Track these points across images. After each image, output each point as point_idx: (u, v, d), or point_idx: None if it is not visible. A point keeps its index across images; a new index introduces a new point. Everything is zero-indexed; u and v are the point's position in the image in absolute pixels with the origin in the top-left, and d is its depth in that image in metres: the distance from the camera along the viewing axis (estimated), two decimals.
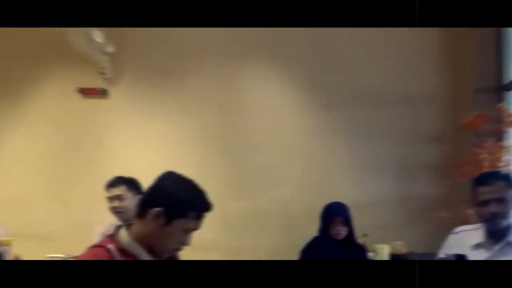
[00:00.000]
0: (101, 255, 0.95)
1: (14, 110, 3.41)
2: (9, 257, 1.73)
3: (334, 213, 2.05)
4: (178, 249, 1.08)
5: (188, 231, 1.05)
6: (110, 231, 1.96)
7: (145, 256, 1.01)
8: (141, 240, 1.03)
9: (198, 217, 1.05)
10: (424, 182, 2.96)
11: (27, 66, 3.35)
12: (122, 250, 0.99)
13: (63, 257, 2.36)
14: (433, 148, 3.01)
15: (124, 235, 1.04)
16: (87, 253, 1.01)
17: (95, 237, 1.98)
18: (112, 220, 2.04)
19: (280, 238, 2.90)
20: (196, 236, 1.14)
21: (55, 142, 3.33)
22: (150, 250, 1.04)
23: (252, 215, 2.94)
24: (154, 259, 1.04)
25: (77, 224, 3.19)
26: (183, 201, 1.03)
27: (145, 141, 3.09)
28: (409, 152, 2.97)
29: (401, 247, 2.50)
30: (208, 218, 1.10)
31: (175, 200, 1.03)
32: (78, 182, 3.27)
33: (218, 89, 3.03)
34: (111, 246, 0.97)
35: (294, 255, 2.18)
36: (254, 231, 2.96)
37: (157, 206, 1.00)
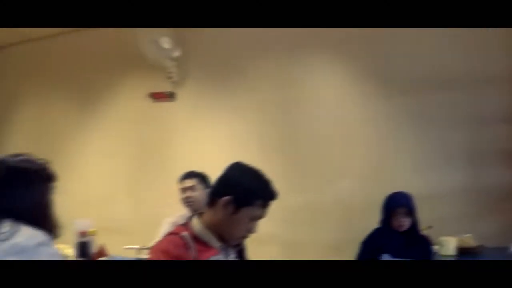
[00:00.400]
0: (176, 241, 1.06)
1: (95, 117, 3.86)
2: (94, 246, 1.95)
3: (397, 203, 1.97)
4: (245, 236, 1.15)
5: (255, 218, 1.11)
6: (179, 221, 2.16)
7: (215, 242, 1.10)
8: (211, 227, 1.12)
9: (264, 205, 1.11)
10: (497, 170, 2.67)
11: (104, 76, 3.75)
12: (194, 237, 1.08)
13: (138, 248, 2.61)
14: (507, 132, 2.70)
15: (196, 223, 1.13)
16: (164, 239, 1.11)
17: (165, 227, 2.19)
18: (179, 213, 2.24)
19: (339, 231, 2.87)
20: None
21: (131, 145, 3.68)
22: (219, 237, 1.12)
23: (311, 208, 2.94)
24: (223, 246, 1.13)
25: (151, 219, 3.49)
26: (250, 189, 1.09)
27: (210, 139, 3.25)
28: (481, 138, 2.70)
29: (470, 240, 2.35)
30: (268, 211, 1.16)
31: (243, 189, 1.09)
32: (151, 180, 3.57)
33: (279, 84, 3.06)
34: (185, 233, 1.07)
35: (353, 248, 2.16)
36: (313, 224, 2.96)
37: (226, 195, 1.08)
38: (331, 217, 2.90)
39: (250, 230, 1.13)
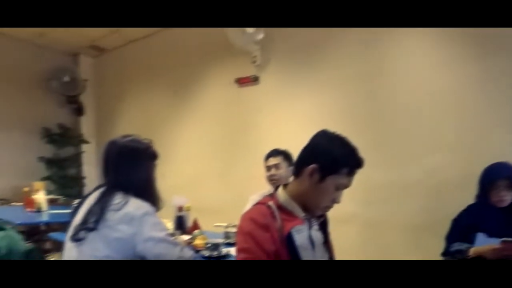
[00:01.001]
0: (263, 211, 1.13)
1: (188, 106, 4.29)
2: (189, 221, 2.13)
3: (498, 175, 1.76)
4: (330, 207, 1.16)
5: (340, 187, 1.12)
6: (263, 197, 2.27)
7: (300, 212, 1.15)
8: (296, 197, 1.16)
9: (350, 173, 1.11)
10: None
11: (194, 67, 4.10)
12: (280, 207, 1.14)
13: (226, 225, 2.79)
14: None
15: (281, 194, 1.19)
16: (252, 209, 1.18)
17: (250, 204, 2.30)
18: (264, 191, 2.34)
19: (427, 210, 2.70)
20: (335, 208, 1.21)
21: (219, 129, 3.97)
22: (304, 207, 1.16)
23: (395, 186, 2.81)
24: (307, 216, 1.17)
25: (238, 199, 3.71)
26: (337, 157, 1.09)
27: (294, 119, 3.30)
28: None
29: None
30: (348, 190, 1.17)
31: (329, 157, 1.09)
32: (238, 162, 3.80)
33: (362, 57, 2.96)
34: (271, 203, 1.14)
35: (442, 228, 2.03)
36: (396, 203, 2.83)
37: (312, 164, 1.10)
38: (418, 195, 2.74)
39: (335, 200, 1.14)
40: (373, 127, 2.88)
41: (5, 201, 4.64)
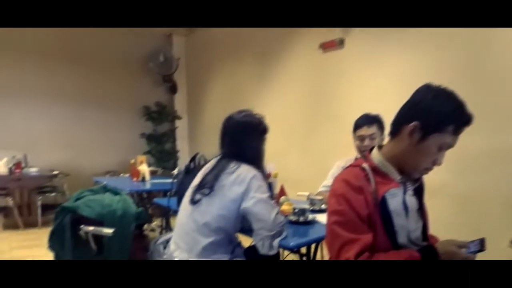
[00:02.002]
0: (357, 173, 1.10)
1: (273, 75, 4.39)
2: (277, 187, 2.20)
3: None
4: (430, 169, 1.08)
5: (444, 148, 1.03)
6: (348, 164, 2.21)
7: (395, 174, 1.10)
8: (392, 159, 1.11)
9: (456, 131, 1.01)
10: None
11: (279, 36, 4.15)
12: (374, 169, 1.11)
13: (308, 194, 2.84)
14: None
15: (376, 155, 1.14)
16: (346, 171, 1.16)
17: (334, 170, 2.29)
18: (350, 157, 2.27)
19: None
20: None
21: (303, 98, 4.00)
22: (400, 169, 1.11)
23: (492, 153, 2.52)
24: (403, 179, 1.12)
25: (319, 169, 3.74)
26: (441, 113, 0.99)
27: (381, 84, 3.16)
28: None
29: None
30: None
31: (433, 113, 1.00)
32: (321, 131, 3.80)
33: None
34: (365, 165, 1.11)
35: None
36: (492, 173, 2.54)
37: (413, 121, 1.02)
38: None
39: (436, 162, 1.06)
40: (474, 90, 2.55)
41: (114, 173, 5.36)
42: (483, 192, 2.63)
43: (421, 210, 1.20)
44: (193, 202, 1.43)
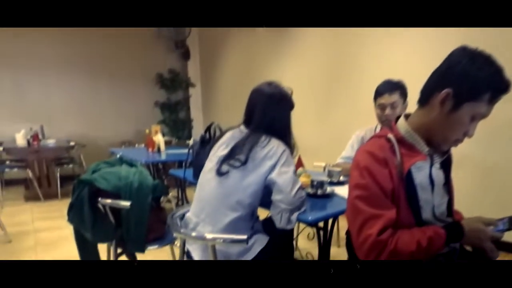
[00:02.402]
0: (382, 144, 1.05)
1: (289, 45, 4.30)
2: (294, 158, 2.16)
3: None
4: (460, 141, 1.02)
5: (477, 118, 0.96)
6: (368, 135, 2.14)
7: (423, 146, 1.05)
8: (420, 129, 1.05)
9: (492, 100, 0.94)
10: None
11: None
12: (400, 140, 1.06)
13: (325, 165, 2.80)
14: None
15: (402, 125, 1.08)
16: (370, 142, 1.11)
17: (353, 140, 2.23)
18: (369, 126, 2.21)
19: None
20: None
21: (319, 64, 3.91)
22: (428, 140, 1.05)
23: None
24: (431, 151, 1.07)
25: (337, 138, 3.69)
26: (478, 79, 0.91)
27: (400, 51, 3.04)
28: None
29: None
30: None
31: (468, 79, 0.92)
32: (339, 101, 3.72)
33: None
34: (391, 136, 1.06)
35: None
36: None
37: (445, 88, 0.95)
38: None
39: (467, 133, 0.99)
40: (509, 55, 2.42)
41: (130, 143, 5.43)
42: (509, 163, 2.55)
43: (448, 185, 1.15)
44: (220, 173, 1.39)
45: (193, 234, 1.31)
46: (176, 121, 6.46)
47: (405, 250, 0.93)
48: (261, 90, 1.51)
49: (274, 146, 1.39)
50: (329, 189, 1.62)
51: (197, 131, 6.66)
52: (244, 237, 1.18)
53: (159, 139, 3.74)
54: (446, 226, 0.98)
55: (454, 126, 0.98)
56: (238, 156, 1.39)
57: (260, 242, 1.42)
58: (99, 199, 1.74)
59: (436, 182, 1.09)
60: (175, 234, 1.69)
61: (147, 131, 3.91)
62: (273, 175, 1.36)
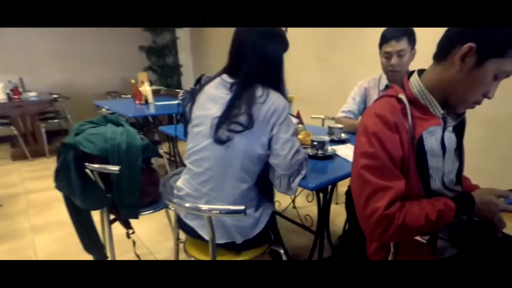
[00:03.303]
0: (393, 105, 0.97)
1: None
2: (293, 112, 2.08)
3: None
4: (478, 102, 0.95)
5: (501, 77, 0.89)
6: (371, 86, 2.03)
7: (437, 108, 0.98)
8: (436, 88, 0.97)
9: None
10: None
11: None
12: (413, 100, 0.98)
13: (324, 117, 2.74)
14: None
15: (416, 83, 1.00)
16: (379, 103, 1.02)
17: (355, 91, 2.14)
18: (372, 76, 2.10)
19: None
20: None
21: (318, 5, 3.63)
22: (444, 101, 0.97)
23: None
24: (444, 113, 1.00)
25: (338, 85, 3.56)
26: (506, 32, 0.83)
27: None
28: None
29: None
30: None
31: (494, 32, 0.84)
32: (341, 46, 3.52)
33: None
34: (402, 96, 0.98)
35: None
36: None
37: (468, 43, 0.87)
38: None
39: (487, 94, 0.92)
40: None
41: (117, 94, 5.26)
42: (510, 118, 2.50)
43: (459, 150, 1.10)
44: (220, 141, 1.22)
45: (187, 205, 1.23)
46: (163, 67, 6.22)
47: (414, 225, 0.90)
48: (249, 29, 1.26)
49: (275, 101, 1.23)
50: (330, 149, 1.56)
51: (188, 78, 6.45)
52: (242, 207, 1.12)
53: (146, 89, 3.61)
54: (456, 198, 0.94)
55: (475, 86, 0.90)
56: (237, 118, 1.20)
57: (266, 212, 1.38)
58: (86, 164, 1.68)
59: (448, 148, 1.04)
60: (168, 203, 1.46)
61: (133, 81, 3.75)
62: (274, 132, 1.25)
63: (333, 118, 2.37)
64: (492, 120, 2.60)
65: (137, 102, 3.62)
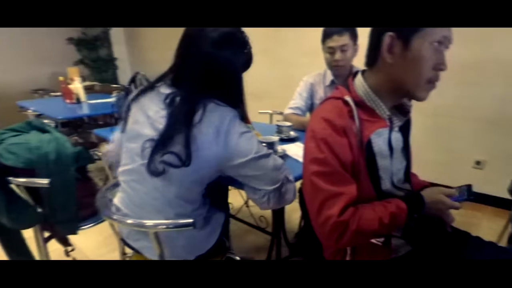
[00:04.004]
0: (340, 108, 0.97)
1: None
2: None
3: None
4: (435, 79, 0.93)
5: (442, 44, 0.89)
6: (318, 81, 2.06)
7: (384, 110, 1.00)
8: (382, 88, 0.98)
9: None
10: None
11: None
12: (359, 103, 0.99)
13: (271, 113, 2.74)
14: None
15: (361, 85, 1.01)
16: (326, 105, 1.02)
17: (301, 87, 2.15)
18: (317, 71, 2.12)
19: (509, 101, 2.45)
20: None
21: None
22: (397, 93, 0.98)
23: (475, 66, 2.51)
24: (390, 114, 1.01)
25: (285, 80, 3.57)
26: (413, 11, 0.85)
27: None
28: None
29: None
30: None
31: (402, 12, 0.85)
32: (284, 39, 3.53)
33: None
34: (348, 98, 0.98)
35: None
36: (475, 88, 2.58)
37: (386, 32, 0.90)
38: (496, 79, 2.44)
39: (438, 65, 0.91)
40: None
41: (45, 92, 4.85)
42: (455, 107, 2.66)
43: (406, 149, 1.13)
44: (155, 173, 1.05)
45: (129, 221, 1.11)
46: (96, 60, 5.85)
47: (368, 229, 0.91)
48: (204, 31, 1.06)
49: (219, 118, 1.06)
50: (280, 149, 1.55)
51: (124, 72, 6.14)
52: (190, 220, 1.06)
53: (77, 87, 3.36)
54: (407, 199, 0.97)
55: (417, 65, 0.91)
56: (173, 147, 1.02)
57: (219, 223, 1.31)
58: (10, 178, 1.52)
59: (395, 148, 1.06)
60: (107, 220, 1.28)
61: (61, 78, 3.46)
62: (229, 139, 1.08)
63: (281, 113, 2.37)
64: (438, 111, 2.76)
65: (68, 101, 3.36)
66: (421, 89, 0.94)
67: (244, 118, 1.17)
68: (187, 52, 1.10)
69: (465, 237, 1.17)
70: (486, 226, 2.46)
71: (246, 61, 1.17)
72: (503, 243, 1.81)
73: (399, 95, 0.99)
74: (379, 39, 0.92)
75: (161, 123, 1.07)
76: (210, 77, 1.09)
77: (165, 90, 1.12)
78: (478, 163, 2.72)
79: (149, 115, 1.12)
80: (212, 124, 1.05)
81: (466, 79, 2.57)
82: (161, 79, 1.16)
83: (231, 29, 1.11)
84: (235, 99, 1.14)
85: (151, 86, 1.17)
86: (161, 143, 1.04)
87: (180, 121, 1.03)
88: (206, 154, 1.06)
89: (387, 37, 0.89)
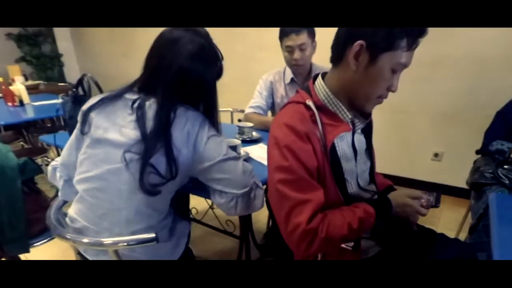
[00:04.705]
0: (302, 114, 0.97)
1: None
2: None
3: None
4: (383, 97, 0.98)
5: (398, 69, 0.92)
6: (277, 79, 2.05)
7: (345, 113, 1.01)
8: (340, 91, 0.99)
9: (411, 46, 0.89)
10: None
11: None
12: (321, 107, 0.99)
13: (232, 110, 2.70)
14: None
15: (321, 89, 1.01)
16: (288, 110, 1.01)
17: (260, 85, 2.13)
18: (276, 69, 2.11)
19: (461, 96, 2.58)
20: None
21: None
22: (351, 102, 1.00)
23: (432, 62, 2.62)
24: (352, 117, 1.03)
25: (242, 75, 3.52)
26: (390, 27, 0.86)
27: None
28: None
29: None
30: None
31: (380, 28, 0.86)
32: (240, 34, 3.49)
33: None
34: (310, 103, 0.98)
35: (478, 120, 1.90)
36: (428, 83, 2.68)
37: (357, 40, 0.89)
38: (459, 75, 2.57)
39: (390, 87, 0.95)
40: None
41: None
42: (415, 103, 2.79)
43: (369, 149, 1.15)
44: (152, 193, 1.04)
45: (85, 240, 1.08)
46: (40, 57, 5.51)
47: (337, 235, 0.92)
48: (179, 40, 1.07)
49: (192, 119, 1.08)
50: (243, 151, 1.53)
51: (71, 68, 5.84)
52: (153, 235, 1.02)
53: (19, 88, 3.14)
54: (374, 203, 0.99)
55: (375, 82, 0.93)
56: (156, 159, 1.01)
57: (184, 233, 1.27)
58: None
59: (358, 150, 1.08)
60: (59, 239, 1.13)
61: (0, 79, 3.23)
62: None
63: (242, 111, 2.34)
64: (396, 107, 2.86)
65: (10, 104, 3.14)
66: (370, 104, 0.98)
67: (216, 129, 1.17)
68: (159, 63, 1.08)
69: (431, 234, 1.22)
70: (447, 216, 2.58)
71: (218, 74, 1.20)
72: (464, 232, 1.91)
73: (350, 103, 1.00)
74: (350, 42, 0.90)
75: (129, 128, 1.06)
76: (183, 89, 1.09)
77: (131, 96, 1.11)
78: (436, 155, 2.85)
79: (116, 122, 1.09)
80: (183, 127, 1.06)
81: (421, 75, 2.67)
82: (129, 88, 1.14)
83: (205, 41, 1.13)
84: (208, 110, 1.16)
85: (117, 95, 1.13)
86: (144, 158, 1.02)
87: (157, 131, 1.03)
88: (180, 159, 1.06)
89: (357, 44, 0.88)
